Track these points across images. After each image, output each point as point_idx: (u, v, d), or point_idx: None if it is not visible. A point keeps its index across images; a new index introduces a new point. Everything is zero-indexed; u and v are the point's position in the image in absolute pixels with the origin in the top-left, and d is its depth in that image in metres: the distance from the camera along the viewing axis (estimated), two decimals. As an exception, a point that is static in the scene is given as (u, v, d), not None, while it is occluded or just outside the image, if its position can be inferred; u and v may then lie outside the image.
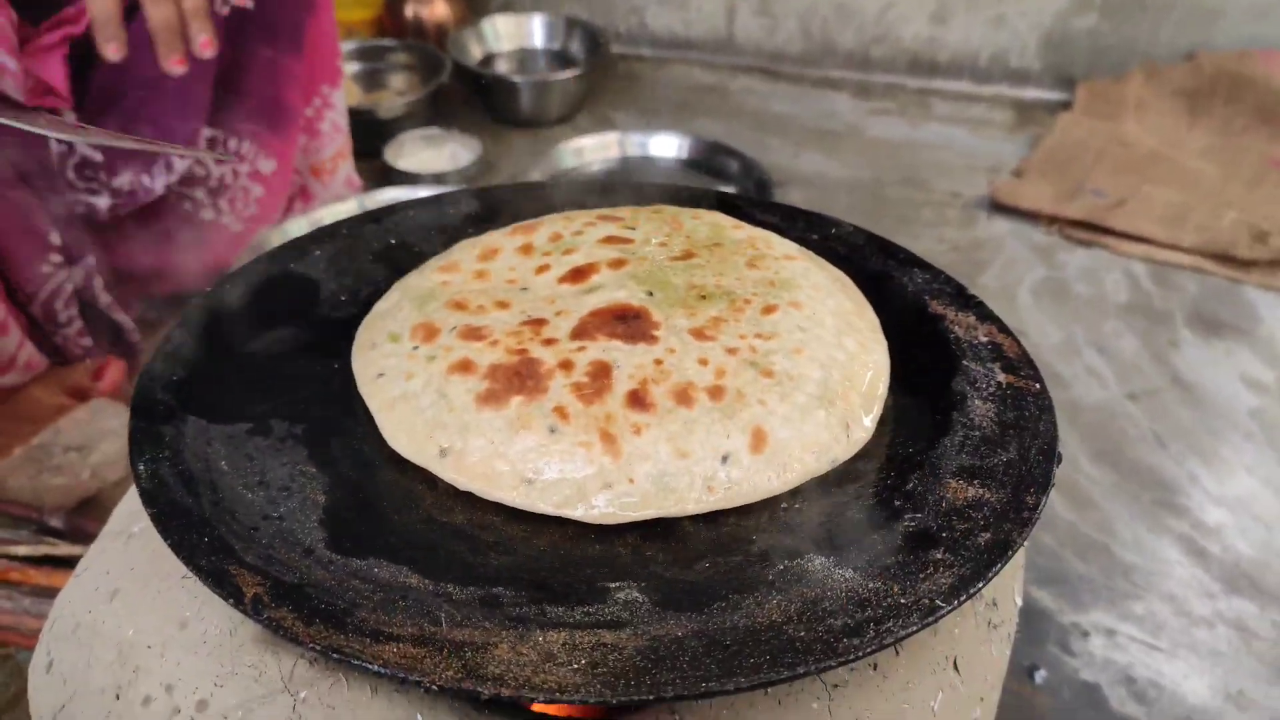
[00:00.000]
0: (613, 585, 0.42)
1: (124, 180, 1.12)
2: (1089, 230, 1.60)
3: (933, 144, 1.87)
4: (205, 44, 0.92)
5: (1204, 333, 1.43)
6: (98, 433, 1.03)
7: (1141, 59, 1.95)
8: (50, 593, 0.82)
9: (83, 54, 0.99)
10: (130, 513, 0.52)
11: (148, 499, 0.44)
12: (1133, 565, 1.09)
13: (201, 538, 0.42)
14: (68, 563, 0.85)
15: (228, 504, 0.45)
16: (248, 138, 1.20)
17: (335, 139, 1.34)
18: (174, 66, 0.91)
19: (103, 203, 1.12)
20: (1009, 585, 0.50)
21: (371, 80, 1.91)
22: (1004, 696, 0.93)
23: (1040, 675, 1.00)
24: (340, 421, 0.52)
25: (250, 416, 0.50)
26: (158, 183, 1.13)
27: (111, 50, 0.88)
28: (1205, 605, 1.05)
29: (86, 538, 0.90)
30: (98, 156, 1.10)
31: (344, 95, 1.33)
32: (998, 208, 1.66)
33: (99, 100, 1.07)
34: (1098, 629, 1.03)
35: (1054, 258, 1.57)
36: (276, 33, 1.15)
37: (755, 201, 0.68)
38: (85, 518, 0.95)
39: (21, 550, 0.84)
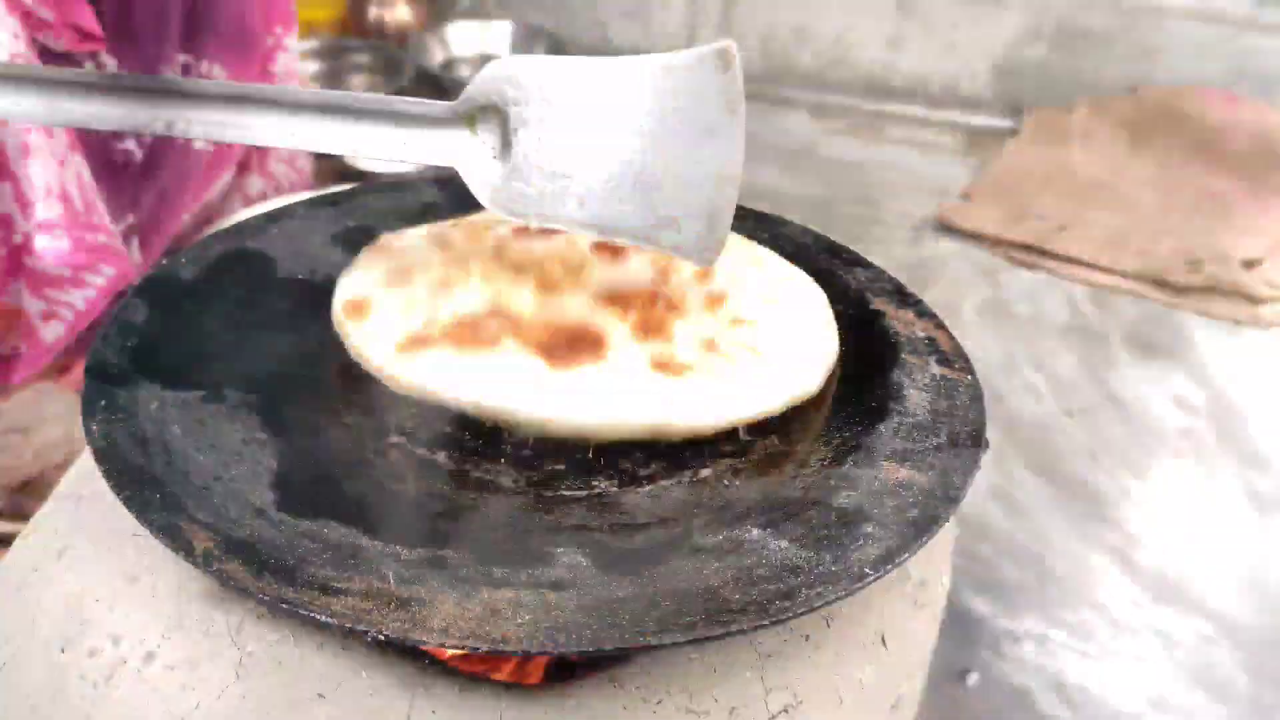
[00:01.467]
0: (558, 550, 0.43)
1: None
2: (1032, 253, 1.65)
3: (885, 165, 1.92)
4: None
5: (1139, 354, 1.48)
6: (42, 415, 1.02)
7: (1087, 91, 2.03)
8: (-13, 571, 0.81)
9: None
10: (80, 476, 0.53)
11: (100, 457, 0.44)
12: (1065, 574, 1.13)
13: (154, 494, 0.43)
14: (6, 540, 0.84)
15: (180, 465, 0.45)
16: (216, 62, 1.23)
17: (289, 83, 1.35)
18: None
19: (132, 146, 1.15)
20: (936, 568, 0.53)
21: (332, 80, 1.91)
22: (936, 698, 0.96)
23: (973, 678, 1.03)
24: (294, 393, 0.53)
25: (204, 385, 0.51)
26: None
27: None
28: (1132, 614, 1.09)
29: (27, 517, 0.89)
30: None
31: (296, 44, 1.35)
32: (945, 229, 1.71)
33: (108, 34, 1.09)
34: (1030, 635, 1.07)
35: (997, 278, 1.62)
36: None
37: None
38: (27, 498, 0.94)
39: (-41, 528, 0.83)
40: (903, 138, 2.02)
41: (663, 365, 0.51)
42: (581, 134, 0.49)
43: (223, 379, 0.52)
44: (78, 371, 1.13)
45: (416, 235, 0.62)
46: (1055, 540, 1.18)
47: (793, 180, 1.86)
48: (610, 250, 0.59)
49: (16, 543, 0.50)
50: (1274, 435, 1.34)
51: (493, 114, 0.50)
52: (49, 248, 0.98)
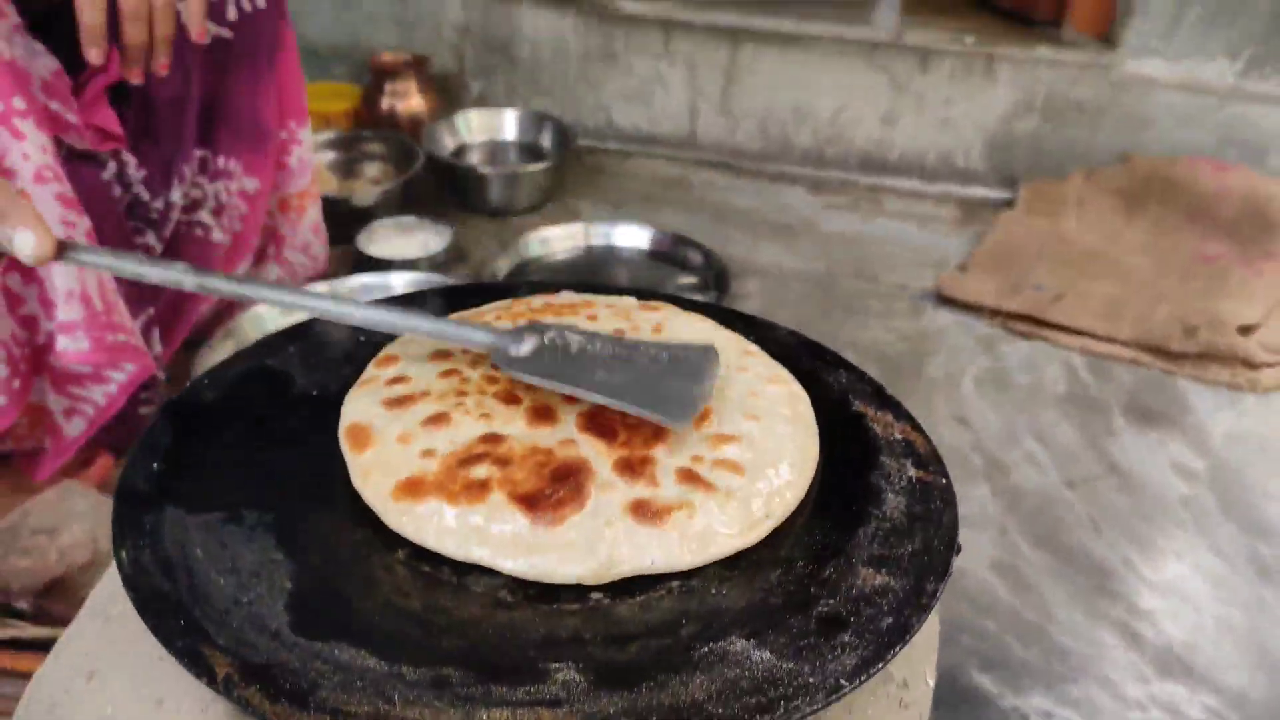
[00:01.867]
0: (553, 666, 0.46)
1: (159, 204, 1.23)
2: (1030, 323, 1.69)
3: (883, 238, 1.97)
4: (163, 67, 1.07)
5: (1138, 422, 1.50)
6: (66, 515, 1.05)
7: (1080, 161, 2.08)
8: (14, 675, 0.84)
9: (113, 99, 1.12)
10: (109, 595, 0.56)
11: (129, 584, 0.48)
12: (1070, 649, 1.14)
13: (178, 621, 0.46)
14: (34, 645, 0.87)
15: (201, 589, 0.49)
16: (233, 156, 1.31)
17: (303, 175, 1.42)
18: (134, 78, 1.06)
19: (152, 240, 1.23)
20: (919, 667, 0.55)
21: (347, 169, 1.99)
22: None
23: (981, 757, 1.04)
24: (308, 511, 0.56)
25: (223, 505, 0.55)
26: (175, 194, 1.24)
27: (94, 55, 1.01)
28: (1139, 689, 1.10)
29: (53, 620, 0.92)
30: (145, 194, 1.21)
31: (310, 136, 1.42)
32: (943, 300, 1.75)
33: (130, 134, 1.18)
34: (1037, 713, 1.08)
35: (996, 349, 1.65)
36: (253, 60, 1.27)
37: (701, 306, 0.74)
38: (52, 600, 0.97)
39: (-12, 631, 0.86)
40: (900, 211, 2.07)
41: (644, 511, 0.53)
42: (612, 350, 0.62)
43: (240, 499, 0.55)
44: (100, 465, 1.18)
45: (419, 350, 0.66)
46: (1060, 614, 1.19)
47: (793, 254, 1.91)
48: None
49: (48, 661, 0.53)
50: (1275, 502, 1.36)
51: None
52: (69, 348, 1.02)
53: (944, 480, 0.58)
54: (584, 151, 2.23)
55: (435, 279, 1.59)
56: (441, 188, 1.97)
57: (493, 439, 0.57)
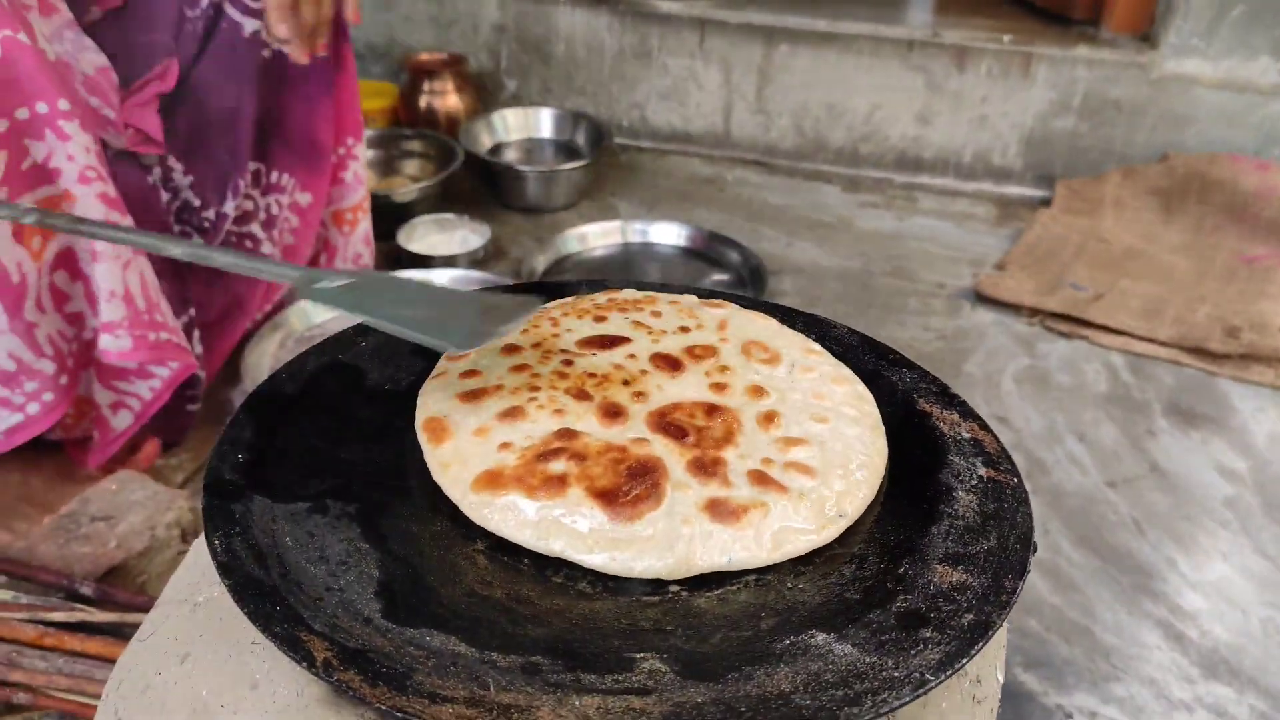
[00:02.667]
0: (638, 656, 0.47)
1: (210, 214, 1.26)
2: (1069, 322, 1.68)
3: (919, 236, 1.97)
4: (322, 47, 1.19)
5: (1180, 423, 1.50)
6: (124, 504, 1.08)
7: (1118, 159, 2.07)
8: (84, 657, 0.86)
9: (165, 106, 1.16)
10: (191, 583, 0.57)
11: (224, 571, 0.49)
12: (1114, 648, 1.14)
13: (274, 607, 0.47)
14: (100, 629, 0.89)
15: (294, 576, 0.50)
16: (287, 171, 1.33)
17: (357, 190, 1.45)
18: (303, 58, 1.17)
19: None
20: (991, 663, 0.56)
21: (387, 167, 2.01)
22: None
23: (1026, 755, 1.04)
24: (388, 501, 0.57)
25: (308, 496, 0.56)
26: (228, 206, 1.27)
27: (281, 31, 1.13)
28: (1184, 689, 1.10)
29: (116, 605, 0.94)
30: (196, 200, 1.24)
31: (364, 151, 1.44)
32: (981, 299, 1.75)
33: (180, 143, 1.22)
34: (1081, 711, 1.08)
35: (1035, 348, 1.64)
36: (311, 79, 1.29)
37: (760, 304, 0.75)
38: (112, 586, 0.99)
39: (56, 616, 0.88)
40: (935, 209, 2.07)
41: (718, 510, 0.54)
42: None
43: (325, 490, 0.57)
44: (147, 451, 1.20)
45: (491, 345, 0.67)
46: (1103, 614, 1.19)
47: (829, 253, 1.91)
48: (668, 363, 0.64)
49: (133, 646, 0.55)
50: (1320, 504, 1.35)
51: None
52: (111, 346, 1.04)
53: (1015, 479, 0.58)
54: (619, 150, 2.24)
55: (475, 275, 1.61)
56: (479, 185, 1.98)
57: (568, 434, 0.58)
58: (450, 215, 1.79)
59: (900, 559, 0.53)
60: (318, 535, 0.53)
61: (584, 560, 0.53)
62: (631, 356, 0.65)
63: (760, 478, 0.56)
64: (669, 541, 0.52)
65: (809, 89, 2.15)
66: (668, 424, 0.59)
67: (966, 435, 0.62)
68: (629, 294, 0.74)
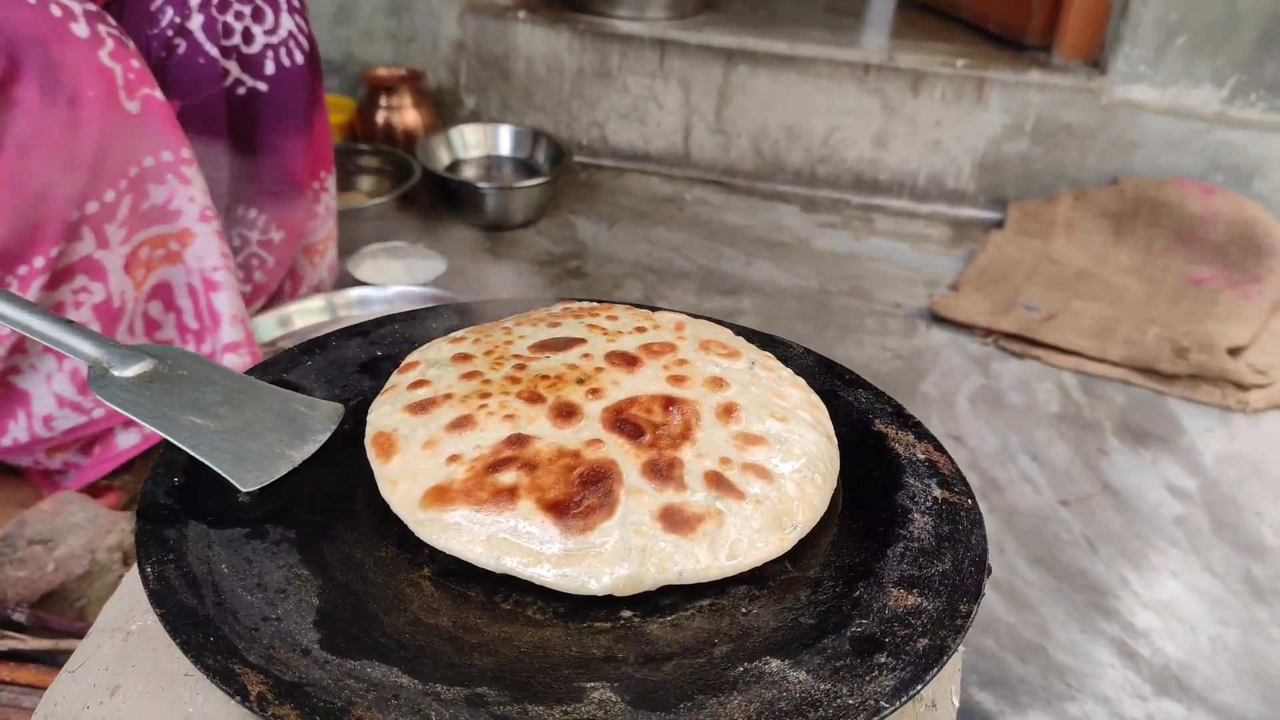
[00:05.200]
0: (589, 685, 0.46)
1: None
2: (1022, 342, 1.70)
3: (875, 257, 1.99)
4: None
5: (1131, 442, 1.52)
6: (64, 526, 1.04)
7: (1069, 182, 2.11)
8: (14, 686, 0.82)
9: None
10: (126, 611, 0.55)
11: (155, 600, 0.47)
12: (1067, 666, 1.15)
13: (207, 638, 0.45)
14: (33, 658, 0.85)
15: (229, 605, 0.48)
16: (256, 206, 1.34)
17: (327, 222, 1.44)
18: None
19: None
20: (947, 687, 0.55)
21: (342, 182, 1.97)
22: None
23: (982, 776, 1.04)
24: (331, 526, 0.55)
25: (246, 521, 0.54)
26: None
27: None
28: (1137, 707, 1.11)
29: (51, 633, 0.90)
30: None
31: (334, 182, 1.42)
32: (936, 319, 1.77)
33: None
34: (1036, 730, 1.08)
35: (989, 367, 1.66)
36: (287, 117, 1.29)
37: (719, 323, 0.74)
38: (50, 611, 0.96)
39: (-16, 646, 0.85)
40: (891, 230, 2.09)
41: (671, 519, 0.52)
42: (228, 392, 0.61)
43: (264, 515, 0.55)
44: (110, 500, 1.18)
45: (440, 355, 0.65)
46: (1057, 632, 1.19)
47: (787, 272, 1.92)
48: (624, 360, 0.63)
49: (62, 678, 0.52)
50: (1267, 522, 1.37)
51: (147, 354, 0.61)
52: (236, 364, 1.12)
53: (970, 501, 0.58)
54: (579, 168, 2.23)
55: (433, 293, 1.59)
56: (436, 202, 1.96)
57: (518, 440, 0.56)
58: (401, 243, 1.77)
59: (856, 582, 0.53)
60: (255, 562, 0.51)
61: (535, 577, 0.51)
62: (586, 356, 0.63)
63: (717, 480, 0.54)
64: (621, 555, 0.51)
65: (768, 110, 2.16)
66: (623, 421, 0.57)
67: (922, 456, 0.62)
68: (584, 304, 0.73)
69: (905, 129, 2.12)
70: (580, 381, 0.60)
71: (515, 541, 0.51)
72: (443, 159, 2.05)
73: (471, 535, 0.52)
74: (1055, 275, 1.87)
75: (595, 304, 0.73)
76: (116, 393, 0.57)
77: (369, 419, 0.61)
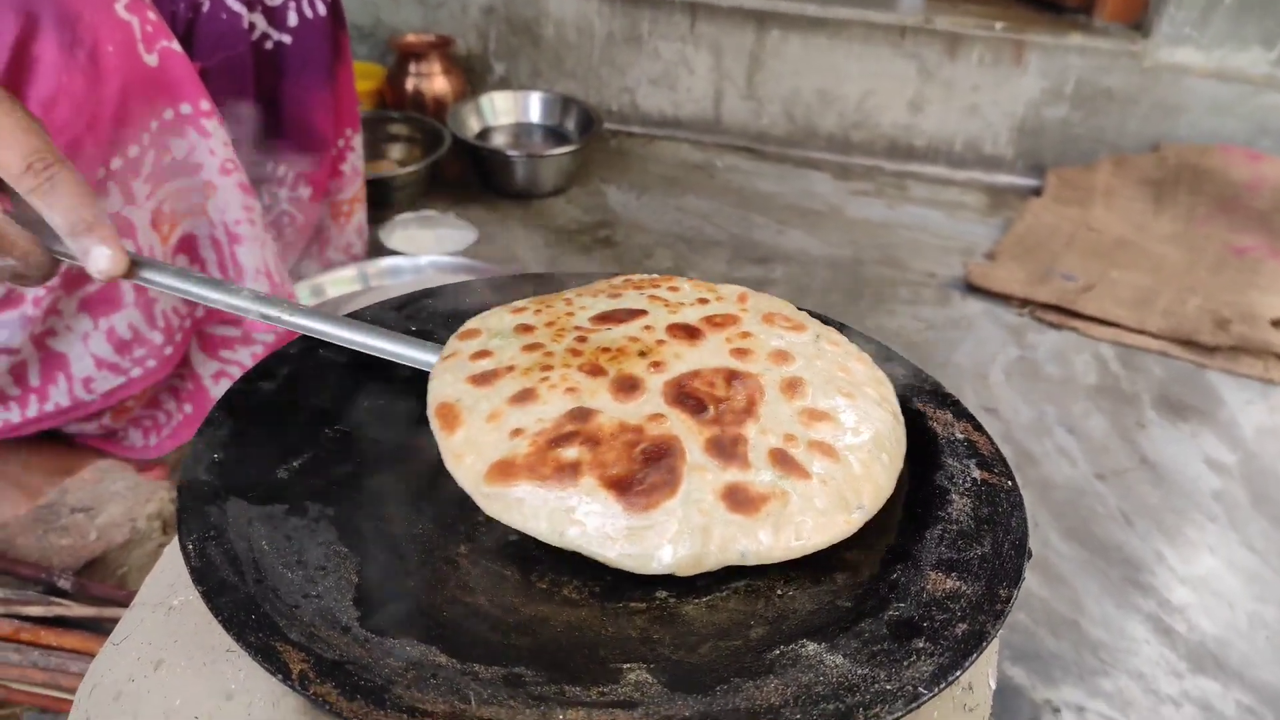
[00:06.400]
0: (624, 666, 0.46)
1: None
2: (1059, 313, 1.68)
3: (909, 225, 1.96)
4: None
5: (1170, 415, 1.50)
6: (105, 494, 1.06)
7: (1110, 149, 2.06)
8: (59, 652, 0.84)
9: None
10: (168, 585, 0.56)
11: (197, 577, 0.48)
12: (1101, 642, 1.14)
13: (249, 615, 0.46)
14: (78, 624, 0.87)
15: (270, 582, 0.48)
16: (284, 163, 1.33)
17: (354, 182, 1.44)
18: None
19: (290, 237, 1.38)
20: (983, 671, 0.55)
21: (372, 150, 1.98)
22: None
23: (1013, 749, 1.04)
24: (368, 504, 0.56)
25: (286, 498, 0.54)
26: None
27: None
28: (1172, 684, 1.10)
29: (94, 600, 0.92)
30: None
31: (362, 142, 1.42)
32: (971, 288, 1.74)
33: None
34: (1069, 705, 1.07)
35: (1025, 338, 1.64)
36: (311, 69, 1.29)
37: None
38: (92, 579, 0.98)
39: (33, 611, 0.87)
40: (926, 197, 2.06)
41: (735, 498, 0.51)
42: None
43: (303, 491, 0.55)
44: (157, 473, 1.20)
45: (502, 325, 0.64)
46: (1091, 607, 1.19)
47: (820, 241, 1.90)
48: (686, 332, 0.62)
49: (107, 649, 0.53)
50: (1308, 498, 1.35)
51: None
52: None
53: (1009, 482, 0.57)
54: (608, 135, 2.21)
55: (464, 262, 1.59)
56: (466, 169, 1.96)
57: (581, 415, 0.55)
58: (433, 212, 1.77)
59: (893, 565, 0.52)
60: (295, 539, 0.52)
61: (598, 554, 0.51)
62: (648, 328, 0.62)
63: (781, 458, 0.53)
64: (684, 533, 0.50)
65: (800, 75, 2.13)
66: (685, 395, 0.56)
67: (960, 436, 0.61)
68: (643, 276, 0.72)
69: (941, 93, 2.08)
70: (642, 354, 0.59)
71: (578, 518, 0.51)
72: (473, 126, 2.04)
73: (535, 511, 0.51)
74: (1094, 244, 1.84)
75: (656, 276, 0.72)
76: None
77: (430, 386, 0.60)
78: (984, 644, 0.46)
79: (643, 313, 0.64)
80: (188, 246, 1.11)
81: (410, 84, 2.07)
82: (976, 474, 0.58)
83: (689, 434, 0.54)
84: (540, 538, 0.51)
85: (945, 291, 1.75)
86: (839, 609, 0.50)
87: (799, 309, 0.70)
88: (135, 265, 0.60)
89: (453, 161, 1.93)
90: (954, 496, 0.56)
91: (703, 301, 0.66)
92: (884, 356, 0.69)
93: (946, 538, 0.53)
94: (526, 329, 0.63)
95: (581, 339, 0.61)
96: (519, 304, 0.67)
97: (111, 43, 0.94)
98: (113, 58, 0.94)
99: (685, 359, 0.59)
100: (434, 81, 2.08)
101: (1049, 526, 1.29)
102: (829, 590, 0.51)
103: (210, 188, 1.09)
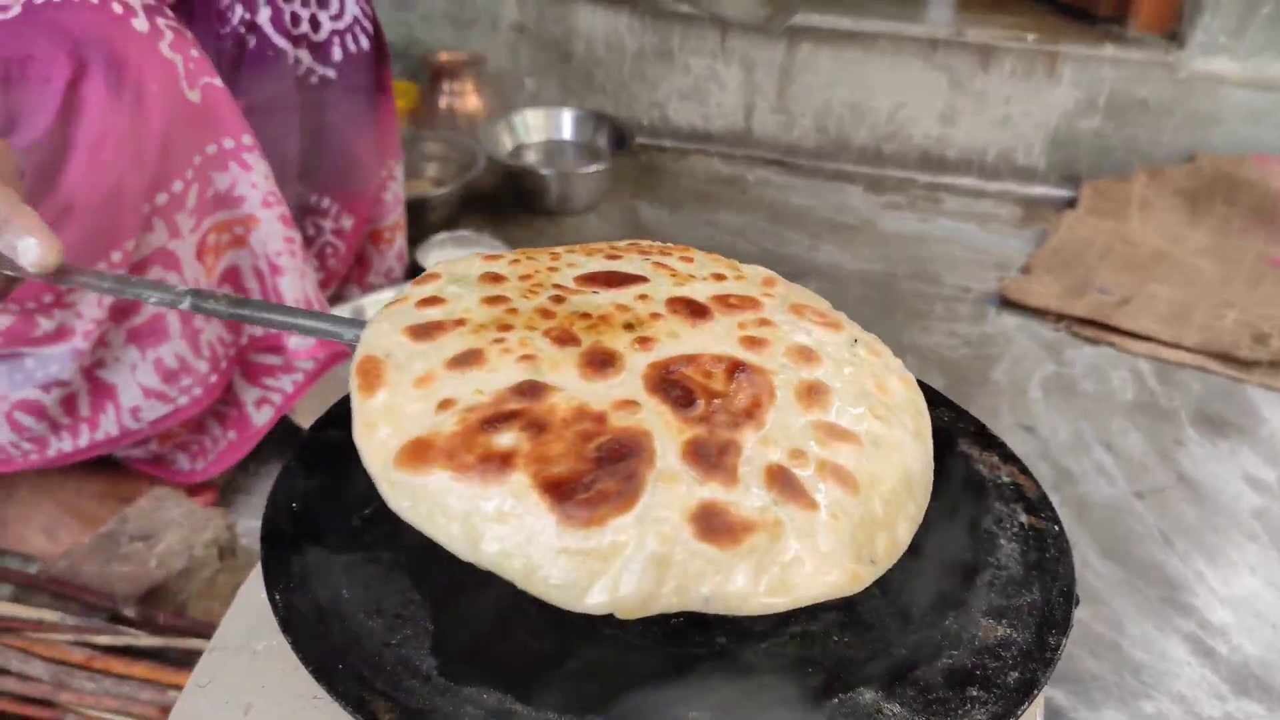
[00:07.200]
0: (692, 716, 0.48)
1: None
2: (1095, 328, 1.68)
3: (943, 238, 1.96)
4: None
5: (1208, 432, 1.50)
6: (162, 522, 1.09)
7: (1144, 159, 2.05)
8: (129, 680, 0.88)
9: None
10: (248, 628, 0.59)
11: (285, 627, 0.50)
12: (1142, 663, 1.15)
13: (336, 664, 0.48)
14: (146, 654, 0.91)
15: (353, 631, 0.51)
16: (329, 194, 1.36)
17: (395, 210, 1.48)
18: None
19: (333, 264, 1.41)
20: (1032, 713, 0.56)
21: (408, 170, 2.00)
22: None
23: (1055, 772, 1.05)
24: (435, 548, 0.58)
25: (361, 545, 0.57)
26: None
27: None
28: (1215, 706, 1.10)
29: (158, 628, 0.96)
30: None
31: (402, 171, 1.45)
32: (1007, 303, 1.74)
33: None
34: (1110, 727, 1.08)
35: (1062, 354, 1.64)
36: (355, 102, 1.32)
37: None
38: (152, 606, 1.01)
39: (102, 640, 0.90)
40: (959, 210, 2.06)
41: (710, 523, 0.41)
42: None
43: (375, 539, 0.58)
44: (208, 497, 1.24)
45: (467, 271, 0.55)
46: (1131, 627, 1.19)
47: (852, 255, 1.91)
48: (690, 308, 0.51)
49: (193, 692, 0.56)
50: (1349, 516, 1.35)
51: None
52: (300, 346, 1.17)
53: (1056, 527, 0.59)
54: (639, 149, 2.24)
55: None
56: (499, 188, 1.99)
57: (532, 390, 0.44)
58: (467, 232, 1.80)
59: (946, 611, 0.54)
60: (373, 587, 0.54)
61: (515, 579, 0.43)
62: (643, 298, 0.51)
63: (781, 478, 0.43)
64: (632, 562, 0.40)
65: (831, 88, 2.14)
66: (670, 382, 0.45)
67: (1007, 479, 0.63)
68: (654, 243, 0.62)
69: (973, 105, 2.08)
70: (629, 326, 0.49)
71: (499, 527, 0.41)
72: (505, 144, 2.07)
73: (445, 510, 0.42)
74: (1130, 257, 1.84)
75: (670, 245, 0.61)
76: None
77: (362, 334, 0.51)
78: (1035, 692, 0.48)
79: (642, 279, 0.53)
80: (231, 277, 1.15)
81: (444, 102, 2.11)
82: (1024, 518, 0.60)
83: (665, 431, 0.43)
84: (452, 549, 0.43)
85: (980, 307, 1.76)
86: (894, 656, 0.51)
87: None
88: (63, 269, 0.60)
89: (486, 179, 1.96)
90: (1002, 541, 0.58)
91: (718, 278, 0.55)
92: (929, 398, 0.71)
93: (996, 584, 0.55)
94: (495, 278, 0.52)
95: (558, 299, 0.50)
96: (500, 253, 0.57)
97: (156, 81, 0.96)
98: (157, 97, 0.97)
99: (683, 340, 0.48)
100: (466, 100, 2.11)
101: (1087, 546, 1.29)
102: (882, 637, 0.53)
103: (253, 220, 1.12)
